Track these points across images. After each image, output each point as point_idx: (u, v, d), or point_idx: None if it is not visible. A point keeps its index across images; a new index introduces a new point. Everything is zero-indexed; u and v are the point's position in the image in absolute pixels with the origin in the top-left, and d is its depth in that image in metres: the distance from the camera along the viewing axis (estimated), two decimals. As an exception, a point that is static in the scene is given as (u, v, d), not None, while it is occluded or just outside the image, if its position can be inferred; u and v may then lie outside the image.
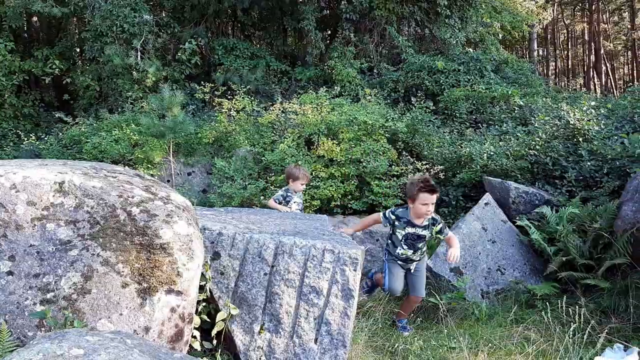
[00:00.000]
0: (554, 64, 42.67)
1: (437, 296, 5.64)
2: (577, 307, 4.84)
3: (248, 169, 7.98)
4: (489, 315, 5.46)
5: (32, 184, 3.64)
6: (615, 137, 7.37)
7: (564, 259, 5.65)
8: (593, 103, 8.25)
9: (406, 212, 4.77)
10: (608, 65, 35.90)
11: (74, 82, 12.60)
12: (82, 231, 3.58)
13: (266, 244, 4.45)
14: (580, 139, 7.44)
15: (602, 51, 33.54)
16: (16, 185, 3.52)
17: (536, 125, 8.05)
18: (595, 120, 7.76)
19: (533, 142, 7.61)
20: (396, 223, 4.81)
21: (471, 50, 13.70)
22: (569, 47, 42.73)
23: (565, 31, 43.20)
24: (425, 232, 4.81)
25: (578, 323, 4.61)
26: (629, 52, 39.60)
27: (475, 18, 14.37)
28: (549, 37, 39.75)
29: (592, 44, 33.61)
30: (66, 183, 3.78)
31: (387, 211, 4.90)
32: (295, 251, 4.44)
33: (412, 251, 4.87)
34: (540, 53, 36.32)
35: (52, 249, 3.45)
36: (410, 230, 4.77)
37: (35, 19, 14.06)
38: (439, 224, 4.81)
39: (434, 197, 4.55)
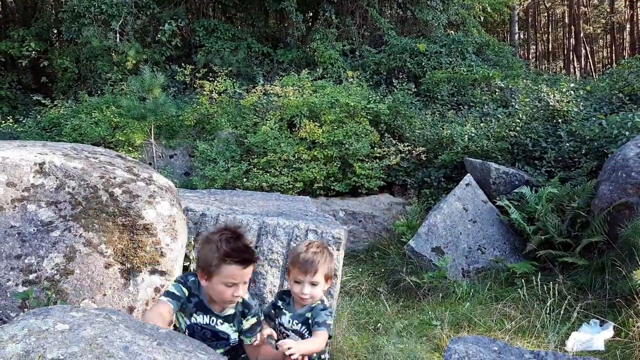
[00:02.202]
0: (534, 47, 42.92)
1: (419, 275, 5.74)
2: (554, 284, 4.96)
3: (230, 152, 7.95)
4: (469, 294, 5.55)
5: (12, 165, 3.60)
6: (594, 119, 7.48)
7: (542, 237, 5.76)
8: (572, 85, 8.35)
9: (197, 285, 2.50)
10: (587, 48, 36.21)
11: (51, 64, 12.36)
12: (64, 212, 3.55)
13: (249, 224, 4.47)
14: (560, 120, 7.54)
15: (581, 34, 33.79)
16: (-5, 166, 3.47)
17: (516, 107, 8.13)
18: (574, 102, 7.87)
19: (513, 124, 7.69)
20: (186, 302, 2.49)
21: (453, 32, 13.72)
22: (550, 30, 43.00)
23: (546, 14, 43.42)
24: (229, 328, 2.50)
25: (555, 299, 4.73)
26: (608, 36, 39.96)
27: (456, 0, 14.38)
28: (529, 20, 39.94)
29: (572, 27, 33.85)
30: (47, 164, 3.75)
31: (171, 287, 2.49)
32: (278, 231, 4.47)
33: None
34: (521, 36, 36.51)
35: (34, 230, 3.43)
36: (200, 318, 2.47)
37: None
38: (252, 315, 2.52)
39: (248, 272, 2.39)
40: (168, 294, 2.45)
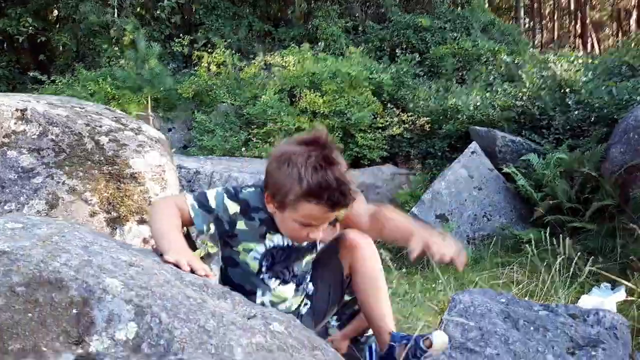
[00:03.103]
0: (540, 35, 42.45)
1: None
2: (564, 248, 4.75)
3: (229, 123, 7.77)
4: (474, 260, 5.37)
5: (-8, 110, 3.42)
6: (603, 88, 7.25)
7: (551, 202, 5.57)
8: (581, 54, 8.12)
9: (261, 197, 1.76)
10: (594, 35, 35.76)
11: (49, 42, 12.16)
12: (47, 159, 3.37)
13: (246, 182, 4.28)
14: (567, 90, 7.30)
15: (588, 21, 33.38)
16: (-29, 106, 3.29)
17: (523, 76, 7.89)
18: (582, 71, 7.63)
19: (520, 94, 7.46)
20: (239, 223, 1.75)
21: (458, 8, 13.43)
22: (555, 17, 42.45)
23: (551, 2, 42.93)
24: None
25: (564, 263, 4.53)
26: (615, 24, 39.45)
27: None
28: (535, 7, 39.40)
29: (579, 13, 33.43)
30: (29, 111, 3.56)
31: (211, 193, 1.75)
32: (275, 189, 4.28)
33: (292, 287, 1.88)
34: (527, 24, 36.08)
35: (14, 176, 3.25)
36: (277, 239, 1.79)
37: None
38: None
39: (335, 214, 1.69)
40: (199, 198, 1.71)
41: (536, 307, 3.24)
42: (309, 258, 1.87)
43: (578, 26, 34.44)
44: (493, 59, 10.31)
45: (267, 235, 1.76)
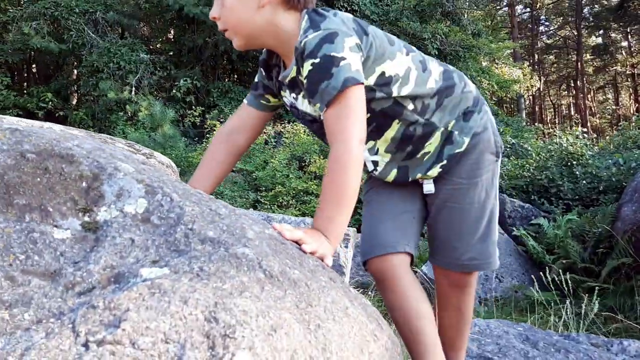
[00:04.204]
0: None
1: (433, 301, 5.35)
2: (580, 308, 4.58)
3: (238, 186, 7.82)
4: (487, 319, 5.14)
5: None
6: (610, 161, 7.33)
7: (564, 261, 5.42)
8: (585, 130, 8.28)
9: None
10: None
11: (66, 118, 12.59)
12: (58, 172, 3.39)
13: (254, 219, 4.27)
14: (574, 163, 7.37)
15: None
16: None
17: (529, 148, 8.00)
18: (587, 146, 7.75)
19: (527, 165, 7.53)
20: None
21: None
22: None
23: (552, 109, 44.43)
24: (305, 104, 1.37)
25: (582, 322, 4.36)
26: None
27: (464, 71, 14.73)
28: (536, 115, 40.67)
29: (579, 117, 34.50)
30: (44, 126, 3.63)
31: None
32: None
33: None
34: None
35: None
36: (287, 95, 1.42)
37: (33, 54, 14.25)
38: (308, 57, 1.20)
39: None
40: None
41: (555, 337, 3.08)
42: None
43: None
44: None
45: (281, 92, 1.44)
